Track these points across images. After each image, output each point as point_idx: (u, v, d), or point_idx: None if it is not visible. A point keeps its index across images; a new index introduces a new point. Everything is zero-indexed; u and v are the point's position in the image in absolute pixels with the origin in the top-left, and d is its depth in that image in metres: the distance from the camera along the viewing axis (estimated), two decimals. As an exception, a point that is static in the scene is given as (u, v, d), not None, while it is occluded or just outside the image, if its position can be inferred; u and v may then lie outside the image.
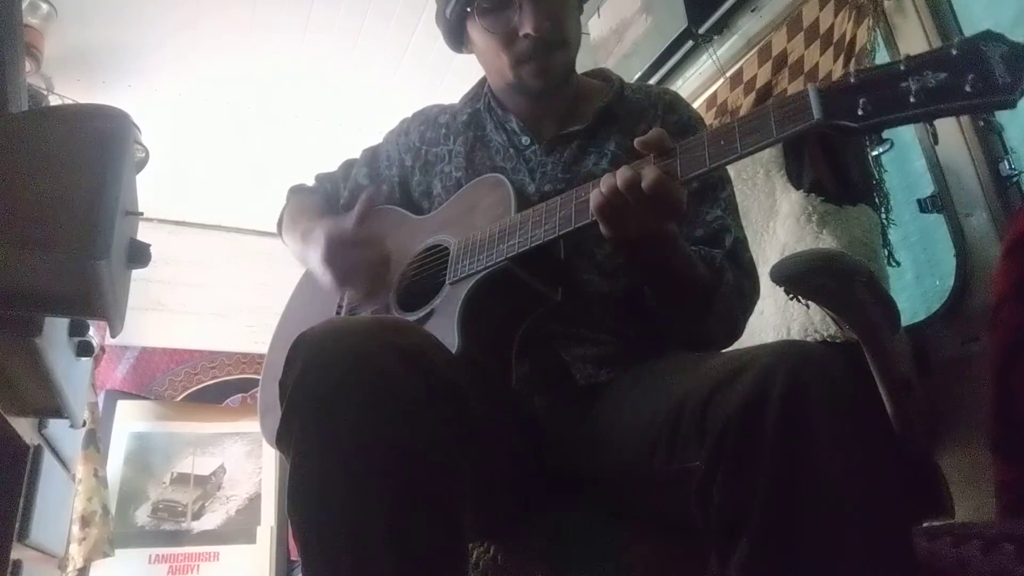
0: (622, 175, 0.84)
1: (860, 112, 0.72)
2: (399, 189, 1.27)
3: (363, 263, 1.07)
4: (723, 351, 0.99)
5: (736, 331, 1.07)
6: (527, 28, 1.05)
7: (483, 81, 1.24)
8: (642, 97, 1.18)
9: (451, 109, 1.27)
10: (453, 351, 0.91)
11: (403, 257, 1.14)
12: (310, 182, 1.39)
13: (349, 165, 1.35)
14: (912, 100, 0.69)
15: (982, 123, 1.39)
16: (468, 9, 1.09)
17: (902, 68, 0.71)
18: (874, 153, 1.59)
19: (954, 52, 0.68)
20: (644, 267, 0.96)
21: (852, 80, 0.73)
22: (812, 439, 0.66)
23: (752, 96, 1.88)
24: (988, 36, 0.68)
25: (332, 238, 1.08)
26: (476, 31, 1.11)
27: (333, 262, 1.07)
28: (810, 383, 0.68)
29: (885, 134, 0.75)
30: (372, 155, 1.32)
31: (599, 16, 2.39)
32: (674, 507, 0.82)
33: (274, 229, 1.39)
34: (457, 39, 1.17)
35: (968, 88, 0.67)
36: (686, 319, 1.00)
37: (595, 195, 0.86)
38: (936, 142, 0.80)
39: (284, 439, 0.75)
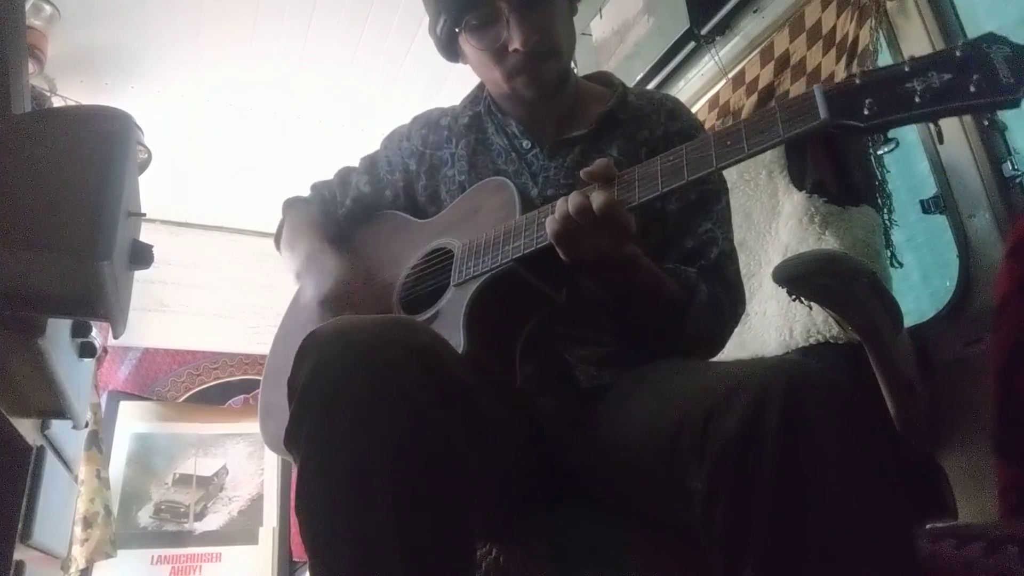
0: (573, 200, 0.87)
1: (866, 112, 0.72)
2: (403, 194, 1.26)
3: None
4: (723, 361, 0.99)
5: (713, 345, 1.08)
6: (516, 44, 1.04)
7: (483, 84, 1.24)
8: (644, 103, 1.18)
9: (452, 112, 1.26)
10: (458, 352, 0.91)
11: (407, 261, 1.14)
12: (305, 192, 1.37)
13: (346, 173, 1.34)
14: (917, 100, 0.70)
15: (986, 123, 1.39)
16: (456, 29, 1.09)
17: (907, 69, 0.71)
18: (879, 152, 1.59)
19: (958, 54, 0.69)
20: (606, 287, 0.97)
21: (858, 81, 0.74)
22: (811, 460, 0.66)
23: (754, 97, 1.88)
24: (992, 38, 0.69)
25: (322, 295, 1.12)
26: (467, 47, 1.12)
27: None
28: (807, 404, 0.67)
29: (890, 134, 0.75)
30: (371, 163, 1.31)
31: (601, 17, 2.39)
32: (675, 513, 0.82)
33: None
34: (450, 52, 1.16)
35: (972, 88, 0.67)
36: (657, 335, 1.01)
37: (550, 221, 0.89)
38: (941, 141, 0.80)
39: (293, 438, 0.74)
